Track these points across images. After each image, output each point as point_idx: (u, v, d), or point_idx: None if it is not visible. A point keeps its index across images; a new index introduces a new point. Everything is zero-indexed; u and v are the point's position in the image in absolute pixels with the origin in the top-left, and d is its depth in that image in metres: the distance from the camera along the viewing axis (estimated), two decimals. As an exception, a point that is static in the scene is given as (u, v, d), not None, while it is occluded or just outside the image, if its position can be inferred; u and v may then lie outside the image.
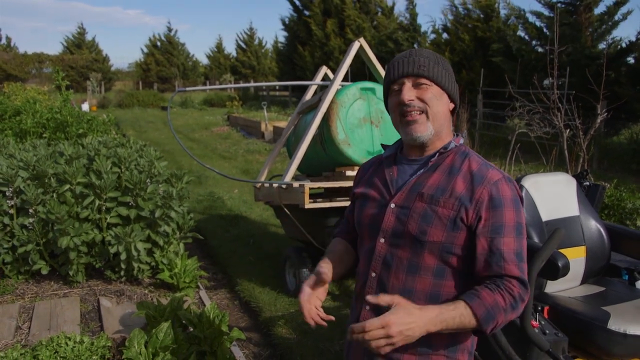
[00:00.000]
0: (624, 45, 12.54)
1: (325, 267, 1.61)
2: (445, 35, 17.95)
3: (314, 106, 4.50)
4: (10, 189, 3.95)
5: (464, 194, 1.45)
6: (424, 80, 1.49)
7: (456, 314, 1.37)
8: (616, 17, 12.74)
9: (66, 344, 3.00)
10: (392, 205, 1.53)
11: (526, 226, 2.47)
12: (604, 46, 12.58)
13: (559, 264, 2.11)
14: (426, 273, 1.48)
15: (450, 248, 1.45)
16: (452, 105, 1.57)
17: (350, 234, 1.79)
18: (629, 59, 12.52)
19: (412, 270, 1.49)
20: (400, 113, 1.52)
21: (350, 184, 3.87)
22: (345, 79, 4.67)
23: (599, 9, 12.97)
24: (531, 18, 14.35)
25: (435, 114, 1.50)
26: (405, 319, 1.32)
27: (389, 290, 1.52)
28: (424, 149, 1.56)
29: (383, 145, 1.73)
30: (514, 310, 1.43)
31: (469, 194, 1.45)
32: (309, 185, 3.77)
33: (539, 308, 2.22)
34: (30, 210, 3.93)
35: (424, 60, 1.50)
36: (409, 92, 1.49)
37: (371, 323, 1.31)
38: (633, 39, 12.20)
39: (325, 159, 4.30)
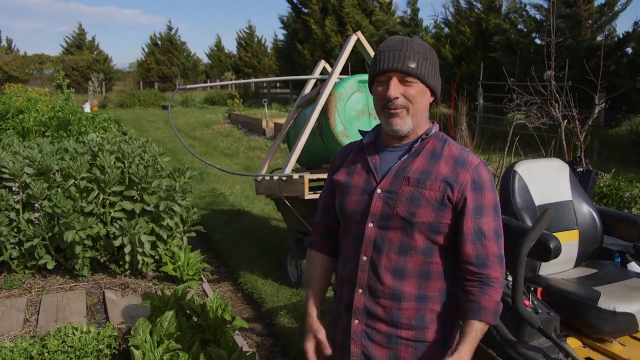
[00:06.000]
0: (620, 36, 12.55)
1: (317, 324, 1.78)
2: (446, 30, 17.97)
3: (312, 99, 4.56)
4: (16, 184, 4.03)
5: (448, 175, 1.54)
6: (410, 78, 1.52)
7: (476, 334, 1.52)
8: (616, 8, 12.71)
9: (73, 334, 3.06)
10: (379, 191, 1.58)
11: (519, 210, 2.56)
12: (601, 38, 12.58)
13: (551, 246, 2.17)
14: (416, 252, 1.56)
15: (438, 227, 1.54)
16: (432, 99, 1.61)
17: (327, 227, 1.80)
18: (627, 49, 12.53)
19: (403, 251, 1.56)
20: (383, 104, 1.57)
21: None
22: (345, 73, 4.73)
23: (598, 0, 12.95)
24: (531, 11, 14.41)
25: (416, 110, 1.55)
26: None
27: (381, 271, 1.58)
28: (403, 137, 1.61)
29: (361, 132, 1.76)
30: (501, 289, 1.57)
31: (453, 176, 1.54)
32: (308, 176, 3.84)
33: (532, 289, 2.28)
34: (36, 205, 4.01)
35: (414, 55, 1.51)
36: (395, 89, 1.52)
37: None
38: (630, 29, 12.22)
39: (324, 151, 4.36)
